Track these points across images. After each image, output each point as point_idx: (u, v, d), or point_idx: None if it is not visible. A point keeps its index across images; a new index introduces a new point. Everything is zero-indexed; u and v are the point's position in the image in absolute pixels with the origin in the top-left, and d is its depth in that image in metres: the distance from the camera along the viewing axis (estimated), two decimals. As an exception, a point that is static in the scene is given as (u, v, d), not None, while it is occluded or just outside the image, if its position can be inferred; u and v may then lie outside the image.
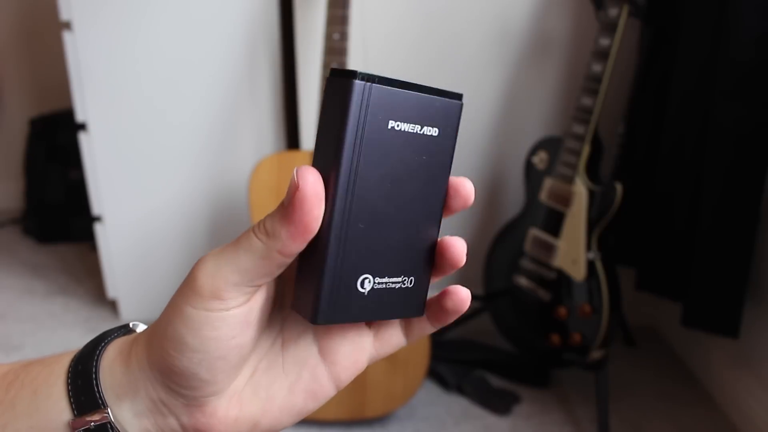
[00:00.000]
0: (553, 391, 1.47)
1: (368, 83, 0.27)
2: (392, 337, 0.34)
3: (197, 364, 0.29)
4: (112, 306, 1.76)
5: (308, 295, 0.29)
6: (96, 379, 0.30)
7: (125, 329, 0.34)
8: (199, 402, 0.30)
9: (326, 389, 0.33)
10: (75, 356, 0.32)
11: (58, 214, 2.12)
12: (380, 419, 1.37)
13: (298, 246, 0.28)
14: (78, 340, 1.64)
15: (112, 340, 0.33)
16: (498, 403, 1.41)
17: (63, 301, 1.81)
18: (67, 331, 1.68)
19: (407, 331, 0.35)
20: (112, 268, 1.66)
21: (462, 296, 0.32)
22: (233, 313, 0.29)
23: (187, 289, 0.29)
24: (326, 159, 0.28)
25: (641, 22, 1.33)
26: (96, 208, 1.59)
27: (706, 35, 1.19)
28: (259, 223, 0.28)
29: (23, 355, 1.58)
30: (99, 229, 1.61)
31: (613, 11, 1.19)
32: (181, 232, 1.63)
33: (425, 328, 0.34)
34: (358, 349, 0.34)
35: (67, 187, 2.11)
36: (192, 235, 1.64)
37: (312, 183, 0.27)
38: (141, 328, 0.35)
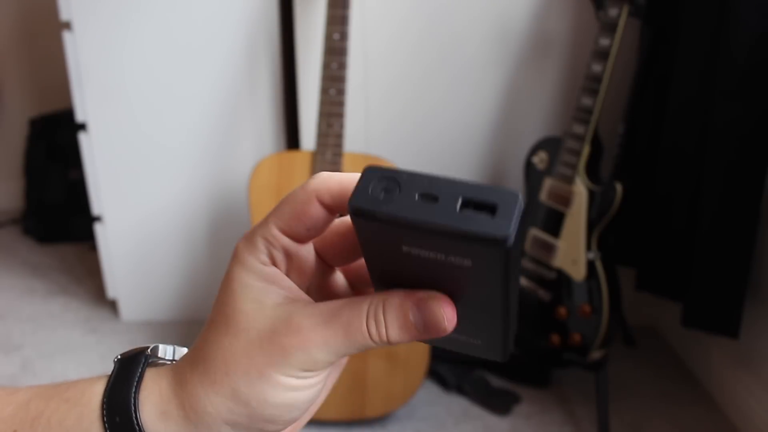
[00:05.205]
0: (553, 391, 1.47)
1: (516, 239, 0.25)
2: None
3: (303, 412, 0.30)
4: (112, 306, 1.76)
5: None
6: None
7: (144, 357, 0.32)
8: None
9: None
10: (105, 401, 0.30)
11: (58, 214, 2.12)
12: (380, 419, 1.37)
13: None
14: (78, 340, 1.64)
15: (140, 379, 0.31)
16: (498, 403, 1.41)
17: (63, 301, 1.81)
18: (67, 331, 1.68)
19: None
20: (112, 268, 1.66)
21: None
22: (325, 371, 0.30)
23: (277, 355, 0.29)
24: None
25: (641, 22, 1.33)
26: (96, 208, 1.59)
27: (706, 35, 1.19)
28: (377, 321, 0.28)
29: (23, 355, 1.58)
30: (99, 229, 1.61)
31: (613, 11, 1.19)
32: (181, 232, 1.63)
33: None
34: None
35: (67, 187, 2.11)
36: (192, 235, 1.64)
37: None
38: (162, 349, 0.33)
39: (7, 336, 1.65)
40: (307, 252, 0.31)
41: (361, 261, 0.33)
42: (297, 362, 0.28)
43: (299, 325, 0.28)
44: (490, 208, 0.24)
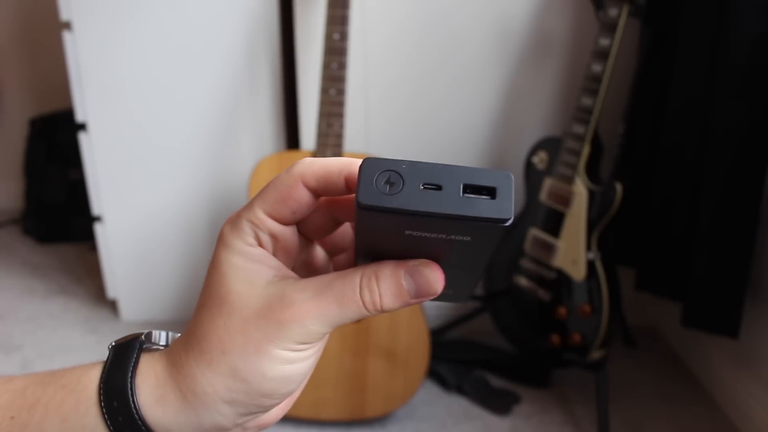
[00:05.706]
0: (553, 391, 1.47)
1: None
2: None
3: (298, 385, 0.32)
4: (112, 306, 1.76)
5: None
6: (141, 419, 0.30)
7: (138, 343, 0.32)
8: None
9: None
10: (102, 386, 0.30)
11: (58, 214, 2.12)
12: (380, 419, 1.37)
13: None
14: (78, 339, 1.64)
15: (136, 364, 0.31)
16: (498, 403, 1.41)
17: (63, 301, 1.81)
18: (67, 331, 1.68)
19: None
20: (112, 268, 1.66)
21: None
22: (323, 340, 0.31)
23: (273, 329, 0.29)
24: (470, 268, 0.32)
25: (641, 22, 1.33)
26: (96, 208, 1.59)
27: (706, 35, 1.19)
28: (371, 291, 0.29)
29: (23, 355, 1.58)
30: (99, 229, 1.61)
31: (613, 11, 1.19)
32: (181, 232, 1.63)
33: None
34: None
35: (67, 187, 2.11)
36: (192, 235, 1.64)
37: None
38: (155, 335, 0.33)
39: (7, 336, 1.65)
40: (291, 232, 0.32)
41: (337, 231, 0.35)
42: (293, 335, 0.29)
43: (293, 299, 0.29)
44: (490, 191, 0.26)
